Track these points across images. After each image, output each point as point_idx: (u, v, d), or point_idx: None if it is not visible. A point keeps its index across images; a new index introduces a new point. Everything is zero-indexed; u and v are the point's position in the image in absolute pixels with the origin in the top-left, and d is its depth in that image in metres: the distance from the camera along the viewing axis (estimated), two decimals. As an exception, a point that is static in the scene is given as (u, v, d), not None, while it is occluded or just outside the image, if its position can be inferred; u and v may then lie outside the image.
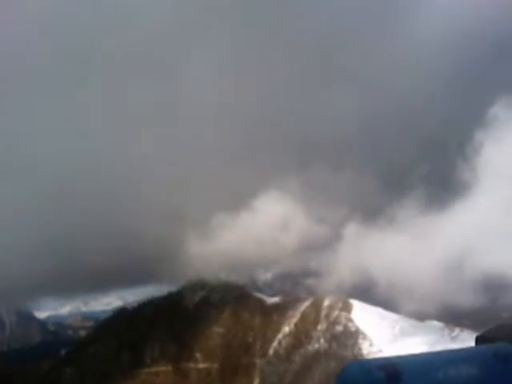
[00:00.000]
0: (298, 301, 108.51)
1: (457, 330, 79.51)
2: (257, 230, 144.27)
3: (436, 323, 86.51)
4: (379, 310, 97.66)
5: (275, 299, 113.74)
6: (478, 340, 3.68)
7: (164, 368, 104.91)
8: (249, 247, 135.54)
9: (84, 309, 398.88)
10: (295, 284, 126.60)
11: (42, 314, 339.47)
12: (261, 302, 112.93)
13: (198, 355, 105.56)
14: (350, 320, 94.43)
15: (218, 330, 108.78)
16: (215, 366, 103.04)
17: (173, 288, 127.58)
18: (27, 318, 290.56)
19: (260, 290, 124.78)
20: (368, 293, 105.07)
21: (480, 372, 2.95)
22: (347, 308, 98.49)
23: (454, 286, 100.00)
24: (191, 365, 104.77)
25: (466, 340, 63.00)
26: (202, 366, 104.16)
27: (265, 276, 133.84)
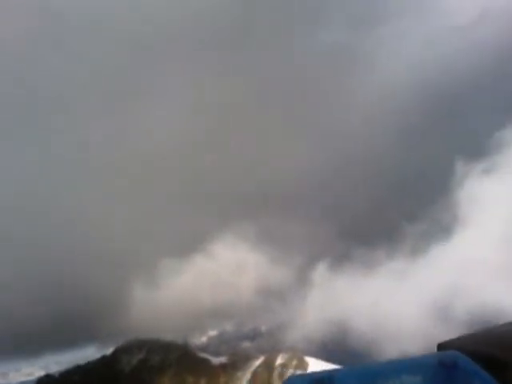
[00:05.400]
0: (247, 360, 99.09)
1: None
2: (209, 277, 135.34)
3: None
4: (336, 366, 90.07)
5: (222, 359, 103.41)
6: (438, 348, 3.57)
7: None
8: (198, 297, 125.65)
9: (2, 381, 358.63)
10: (234, 346, 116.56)
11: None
12: (206, 362, 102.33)
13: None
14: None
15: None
16: None
17: (106, 351, 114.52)
18: None
19: (204, 349, 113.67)
20: (342, 339, 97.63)
21: (423, 381, 2.86)
22: (302, 366, 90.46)
23: (440, 325, 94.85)
24: None
25: None
26: None
27: (200, 340, 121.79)
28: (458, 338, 3.57)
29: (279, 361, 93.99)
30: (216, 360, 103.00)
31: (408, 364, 3.05)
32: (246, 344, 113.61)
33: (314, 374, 3.04)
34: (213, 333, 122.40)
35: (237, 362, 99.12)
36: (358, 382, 2.93)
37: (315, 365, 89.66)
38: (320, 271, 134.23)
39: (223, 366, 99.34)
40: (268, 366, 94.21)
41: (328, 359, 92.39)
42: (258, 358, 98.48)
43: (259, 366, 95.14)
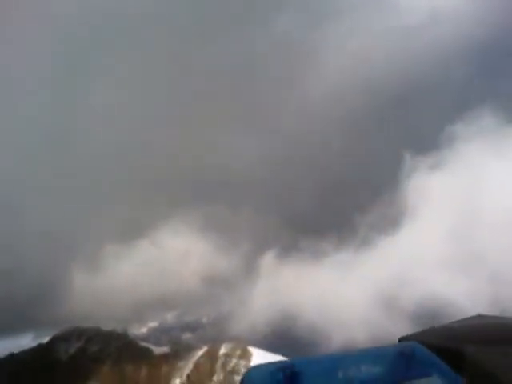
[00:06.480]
0: (190, 350, 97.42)
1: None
2: (153, 265, 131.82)
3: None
4: (279, 357, 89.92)
5: (164, 348, 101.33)
6: (399, 341, 3.71)
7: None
8: (142, 285, 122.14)
9: None
10: (175, 336, 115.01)
11: None
12: (147, 352, 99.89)
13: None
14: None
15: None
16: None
17: (43, 339, 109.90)
18: None
19: (145, 339, 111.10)
20: (288, 329, 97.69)
21: (382, 370, 3.00)
22: (246, 356, 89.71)
23: (386, 316, 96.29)
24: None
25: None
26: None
27: (140, 330, 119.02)
28: (418, 333, 3.68)
29: (222, 351, 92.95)
30: (158, 350, 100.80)
31: (368, 354, 3.14)
32: (188, 335, 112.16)
33: (274, 364, 2.96)
34: (153, 324, 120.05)
35: (179, 352, 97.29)
36: (319, 371, 2.92)
37: (259, 355, 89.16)
38: (267, 260, 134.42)
39: (165, 356, 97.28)
40: (211, 355, 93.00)
41: (272, 349, 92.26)
42: (200, 347, 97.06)
43: (202, 356, 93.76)
